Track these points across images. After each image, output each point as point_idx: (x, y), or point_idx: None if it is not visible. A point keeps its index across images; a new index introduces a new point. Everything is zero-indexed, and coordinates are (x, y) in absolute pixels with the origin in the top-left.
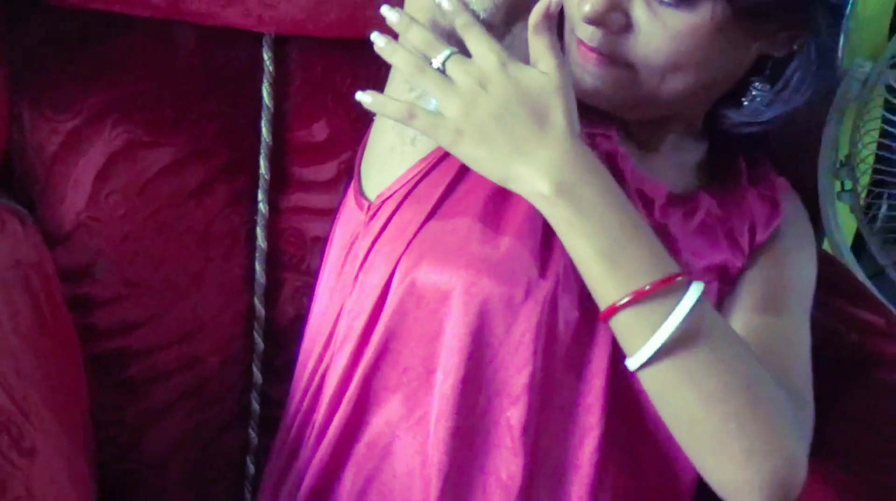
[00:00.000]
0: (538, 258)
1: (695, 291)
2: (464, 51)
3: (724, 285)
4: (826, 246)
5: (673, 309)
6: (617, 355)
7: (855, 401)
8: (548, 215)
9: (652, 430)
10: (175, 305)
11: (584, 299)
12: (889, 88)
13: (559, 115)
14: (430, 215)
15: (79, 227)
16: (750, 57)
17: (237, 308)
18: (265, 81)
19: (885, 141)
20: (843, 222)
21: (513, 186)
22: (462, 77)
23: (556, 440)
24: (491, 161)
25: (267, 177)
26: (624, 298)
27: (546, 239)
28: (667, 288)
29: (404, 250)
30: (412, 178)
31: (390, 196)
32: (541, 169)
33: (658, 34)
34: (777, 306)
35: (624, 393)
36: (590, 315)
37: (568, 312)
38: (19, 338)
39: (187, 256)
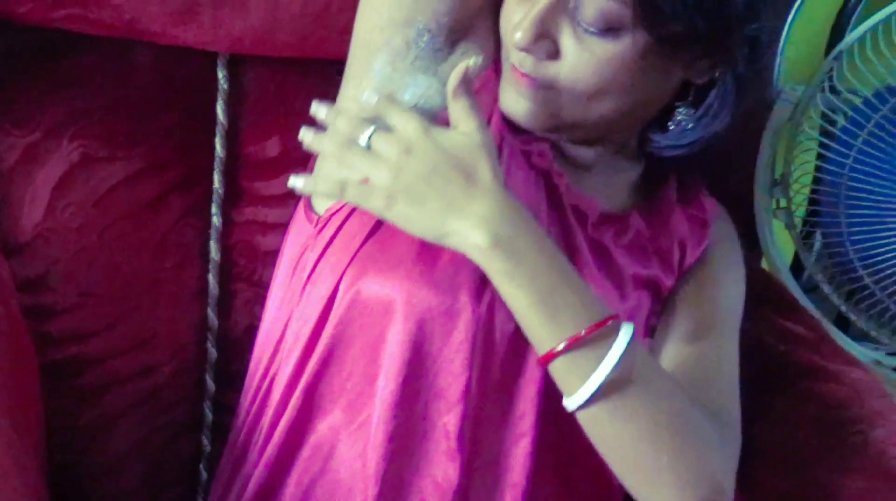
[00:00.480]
0: (477, 271)
1: (625, 334)
2: None
3: (655, 302)
4: (765, 262)
5: (606, 354)
6: None
7: (781, 408)
8: (485, 266)
9: (583, 438)
10: (130, 314)
11: None
12: (824, 112)
13: (485, 170)
14: (375, 228)
15: (36, 238)
16: (673, 83)
17: (191, 318)
18: (220, 98)
19: (819, 163)
20: (781, 238)
21: (449, 242)
22: (387, 147)
23: (491, 445)
24: (425, 220)
25: (221, 191)
26: (560, 344)
27: None
28: (600, 333)
29: (350, 262)
30: None
31: (338, 211)
32: (476, 223)
33: (584, 61)
34: (707, 333)
35: (556, 402)
36: None
37: (504, 323)
38: None
39: (142, 267)
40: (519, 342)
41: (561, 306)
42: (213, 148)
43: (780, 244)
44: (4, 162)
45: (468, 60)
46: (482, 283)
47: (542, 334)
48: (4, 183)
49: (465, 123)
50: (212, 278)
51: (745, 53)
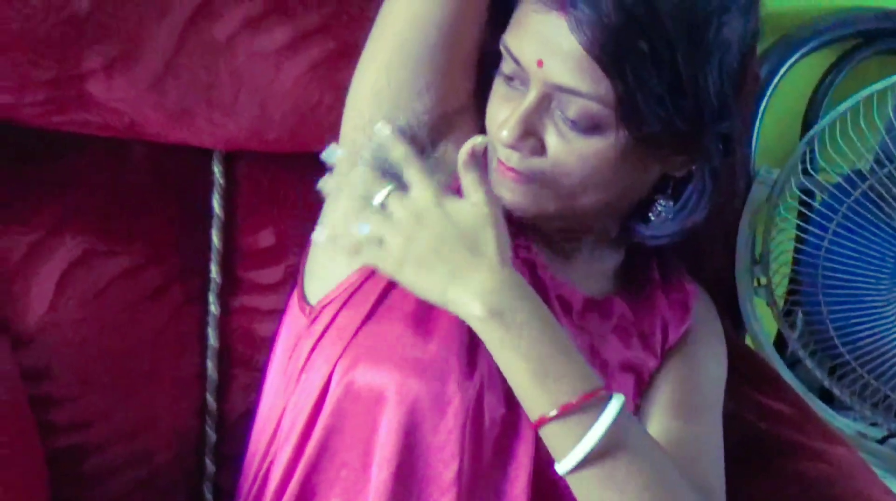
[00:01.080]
0: (465, 359)
1: (615, 403)
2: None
3: (639, 383)
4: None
5: (596, 421)
6: (540, 450)
7: (764, 488)
8: (481, 334)
9: None
10: (131, 401)
11: (510, 396)
12: (803, 192)
13: (490, 244)
14: (366, 320)
15: (40, 331)
16: (653, 176)
17: (190, 403)
18: (215, 192)
19: (798, 244)
20: (763, 314)
21: (451, 309)
22: (401, 213)
23: None
24: (430, 286)
25: (218, 280)
26: (552, 410)
27: (472, 340)
28: (591, 402)
29: (342, 353)
30: (349, 286)
31: (330, 302)
32: (475, 293)
33: (567, 157)
34: (690, 411)
35: (546, 485)
36: (515, 412)
37: (494, 409)
38: None
39: (142, 355)
40: (508, 428)
41: (553, 374)
42: (209, 240)
43: (763, 320)
44: (9, 259)
45: (475, 138)
46: (470, 371)
47: (535, 400)
48: (10, 279)
49: (474, 194)
50: (210, 364)
51: (719, 149)
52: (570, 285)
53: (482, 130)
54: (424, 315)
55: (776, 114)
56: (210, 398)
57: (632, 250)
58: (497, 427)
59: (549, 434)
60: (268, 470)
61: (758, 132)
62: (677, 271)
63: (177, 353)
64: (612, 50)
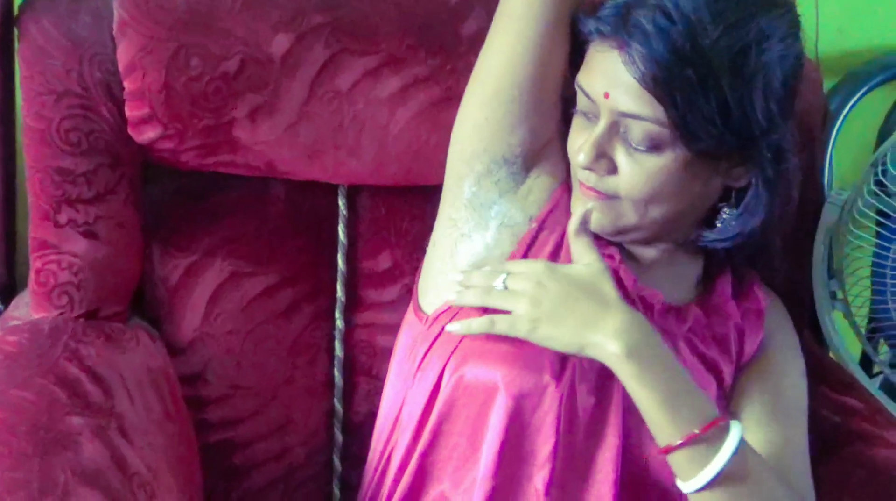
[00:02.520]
0: (557, 357)
1: (735, 432)
2: None
3: (720, 384)
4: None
5: (719, 450)
6: (626, 435)
7: (832, 473)
8: (619, 371)
9: (657, 497)
10: (271, 404)
11: (598, 388)
12: (879, 212)
13: (611, 291)
14: None
15: (194, 341)
16: (715, 187)
17: (320, 407)
18: (340, 222)
19: (878, 260)
20: (844, 329)
21: (589, 352)
22: (522, 284)
23: None
24: (567, 336)
25: (343, 299)
26: (678, 439)
27: None
28: (712, 431)
29: (452, 352)
30: None
31: (443, 312)
32: (612, 335)
33: (637, 173)
34: (780, 418)
35: (633, 465)
36: (603, 402)
37: (585, 399)
38: (152, 424)
39: (279, 364)
40: (598, 414)
41: (680, 406)
42: (335, 263)
43: (843, 334)
44: (170, 280)
45: (582, 210)
46: (562, 366)
47: (664, 429)
48: (170, 297)
49: (586, 256)
50: (337, 373)
51: (770, 159)
52: (650, 289)
53: (567, 159)
54: None
55: (849, 144)
56: (337, 403)
57: (709, 259)
58: (588, 415)
59: (676, 460)
60: (389, 456)
61: (831, 160)
62: (750, 279)
63: (308, 362)
64: (661, 80)
